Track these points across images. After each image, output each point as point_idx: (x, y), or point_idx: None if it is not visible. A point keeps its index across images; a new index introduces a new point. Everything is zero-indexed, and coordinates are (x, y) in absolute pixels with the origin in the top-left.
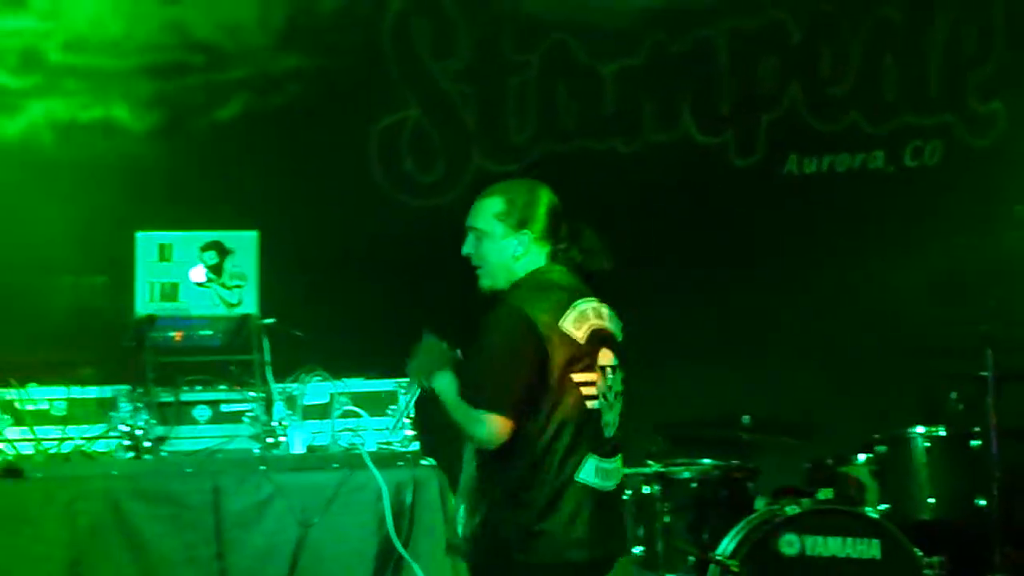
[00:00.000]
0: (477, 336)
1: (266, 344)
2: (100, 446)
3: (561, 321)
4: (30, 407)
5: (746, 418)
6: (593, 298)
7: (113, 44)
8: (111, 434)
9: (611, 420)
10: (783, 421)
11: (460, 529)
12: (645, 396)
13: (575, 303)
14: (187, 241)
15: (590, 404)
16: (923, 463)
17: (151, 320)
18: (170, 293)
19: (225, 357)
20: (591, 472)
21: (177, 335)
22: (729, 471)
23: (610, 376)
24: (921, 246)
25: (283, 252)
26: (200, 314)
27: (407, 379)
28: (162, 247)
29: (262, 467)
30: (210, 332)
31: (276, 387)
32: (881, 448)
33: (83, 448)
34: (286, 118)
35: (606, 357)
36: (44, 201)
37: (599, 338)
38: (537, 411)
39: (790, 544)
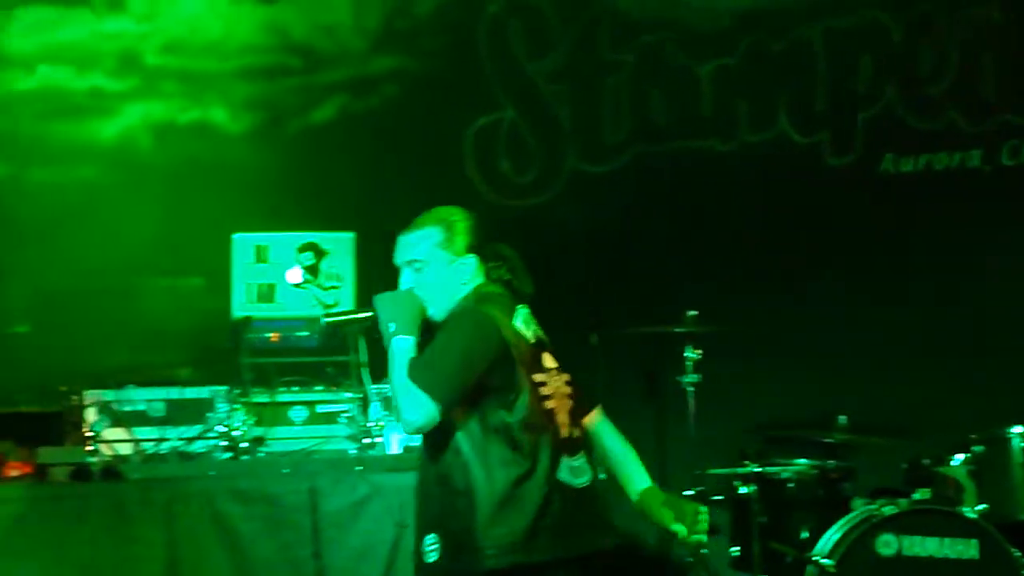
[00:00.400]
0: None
1: (363, 345)
2: (198, 447)
3: (514, 322)
4: (128, 409)
5: (842, 418)
6: (526, 307)
7: (210, 46)
8: (208, 435)
9: (564, 420)
10: (880, 422)
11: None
12: (741, 396)
13: (517, 308)
14: (284, 243)
15: (547, 404)
16: (1020, 463)
17: (248, 321)
18: (267, 294)
19: (322, 358)
20: (564, 470)
21: (274, 336)
22: (826, 471)
23: (556, 378)
24: (1018, 245)
25: (379, 253)
26: (297, 315)
27: (379, 318)
28: (259, 249)
29: (358, 467)
30: (307, 333)
31: (372, 388)
32: (978, 448)
33: (181, 449)
34: (382, 120)
35: (550, 360)
36: (141, 203)
37: (540, 342)
38: (510, 408)
39: (887, 544)
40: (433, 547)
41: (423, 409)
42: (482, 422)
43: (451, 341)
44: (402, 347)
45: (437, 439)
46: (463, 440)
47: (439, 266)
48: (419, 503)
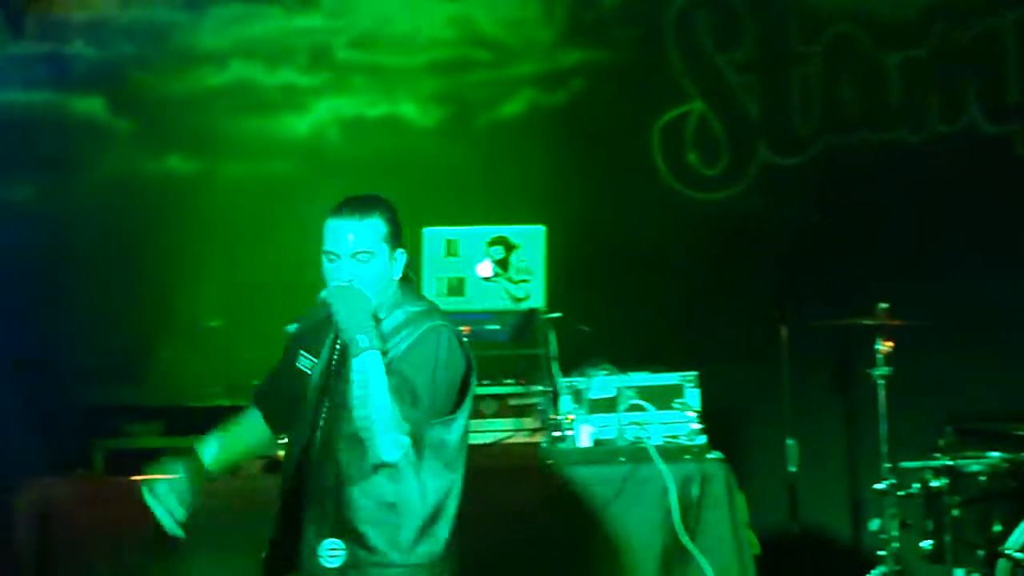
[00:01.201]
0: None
1: (553, 338)
2: None
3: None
4: None
5: None
6: None
7: (400, 41)
8: None
9: None
10: None
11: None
12: (932, 389)
13: None
14: (473, 236)
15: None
16: None
17: None
18: (457, 288)
19: (512, 351)
20: None
21: (464, 329)
22: (1019, 464)
23: None
24: None
25: (568, 246)
26: (486, 308)
27: (340, 320)
28: (449, 242)
29: (549, 460)
30: (497, 327)
31: (563, 381)
32: None
33: None
34: (570, 113)
35: None
36: (331, 198)
37: None
38: (449, 426)
39: None
40: (335, 553)
41: (401, 447)
42: (423, 438)
43: (436, 371)
44: (376, 366)
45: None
46: (430, 455)
47: (383, 259)
48: (325, 505)
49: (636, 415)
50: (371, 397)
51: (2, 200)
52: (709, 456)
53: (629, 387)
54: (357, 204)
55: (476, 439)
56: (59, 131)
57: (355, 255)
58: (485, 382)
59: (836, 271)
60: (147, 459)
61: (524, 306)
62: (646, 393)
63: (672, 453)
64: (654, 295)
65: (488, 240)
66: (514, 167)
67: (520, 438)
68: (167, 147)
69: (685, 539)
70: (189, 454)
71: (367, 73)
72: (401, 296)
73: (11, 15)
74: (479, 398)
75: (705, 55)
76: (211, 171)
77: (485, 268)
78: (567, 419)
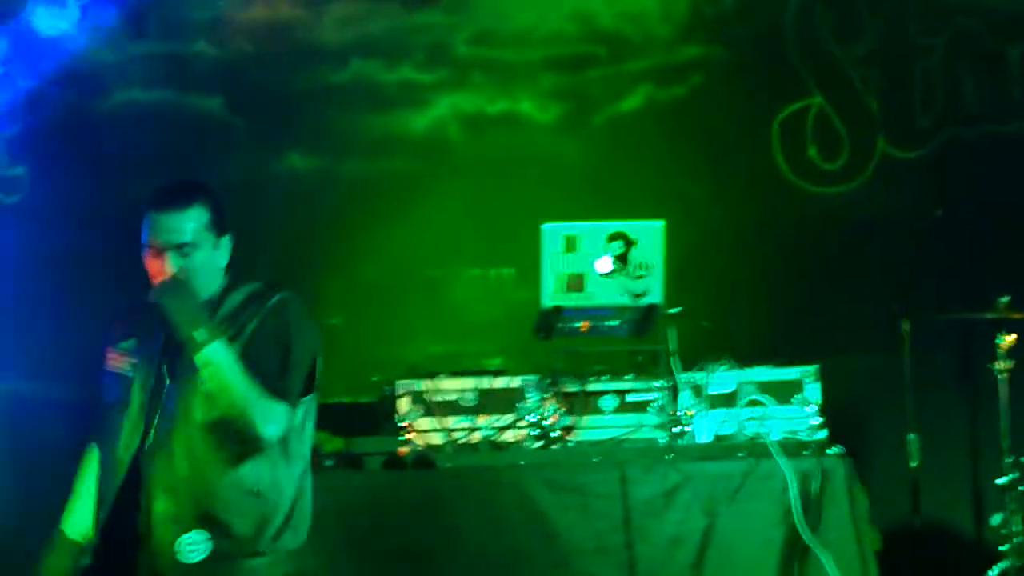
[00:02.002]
0: (264, 322)
1: (672, 334)
2: (509, 436)
3: None
4: (440, 398)
5: None
6: None
7: (519, 36)
8: (519, 424)
9: None
10: None
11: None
12: None
13: None
14: (593, 232)
15: None
16: None
17: (558, 311)
18: (576, 284)
19: (631, 347)
20: None
21: (583, 325)
22: None
23: None
24: None
25: (687, 241)
26: (606, 304)
27: (173, 318)
28: (568, 238)
29: (669, 456)
30: (616, 322)
31: (682, 376)
32: None
33: (492, 438)
34: (689, 108)
35: None
36: (451, 194)
37: None
38: (305, 405)
39: None
40: (196, 546)
41: (282, 419)
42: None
43: (298, 339)
44: (222, 354)
45: (234, 432)
46: (291, 440)
47: (208, 249)
48: (180, 498)
49: (756, 410)
50: (229, 386)
51: (123, 199)
52: (829, 451)
53: (749, 382)
54: (176, 194)
55: (596, 435)
56: (179, 130)
57: (179, 248)
58: (604, 378)
59: (957, 265)
60: None
61: (643, 302)
62: (766, 388)
63: (792, 448)
64: (774, 289)
65: (607, 236)
66: (633, 162)
67: (639, 434)
68: (287, 145)
69: (806, 535)
70: (55, 542)
71: (486, 69)
72: (232, 280)
73: (132, 14)
74: (599, 394)
75: (824, 49)
76: (330, 169)
77: (604, 264)
78: (687, 414)
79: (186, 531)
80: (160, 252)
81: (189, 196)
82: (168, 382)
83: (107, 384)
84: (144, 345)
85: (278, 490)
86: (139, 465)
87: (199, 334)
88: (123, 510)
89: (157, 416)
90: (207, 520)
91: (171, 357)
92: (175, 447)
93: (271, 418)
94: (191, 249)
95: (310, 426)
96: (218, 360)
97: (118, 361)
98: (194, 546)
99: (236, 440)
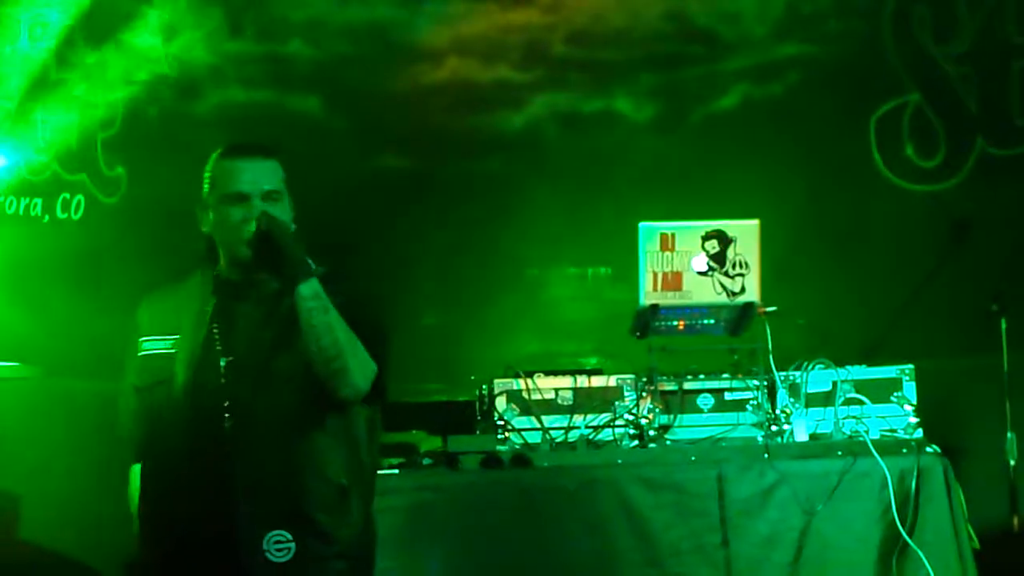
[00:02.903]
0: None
1: (769, 332)
2: (606, 435)
3: None
4: (537, 397)
5: None
6: None
7: (615, 36)
8: (616, 423)
9: None
10: None
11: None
12: None
13: None
14: (689, 231)
15: None
16: None
17: (655, 309)
18: (672, 282)
19: (728, 345)
20: None
21: (680, 324)
22: None
23: None
24: None
25: (784, 240)
26: (703, 303)
27: (284, 252)
28: (664, 237)
29: (765, 455)
30: (712, 321)
31: (779, 375)
32: None
33: (589, 437)
34: (785, 106)
35: None
36: (548, 193)
37: None
38: None
39: None
40: (283, 545)
41: (372, 376)
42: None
43: (382, 327)
44: (323, 294)
45: (319, 417)
46: (359, 423)
47: (287, 203)
48: (264, 494)
49: (853, 408)
50: (334, 325)
51: None
52: (927, 450)
53: (846, 380)
54: (255, 146)
55: (692, 434)
56: (277, 130)
57: (267, 195)
58: (700, 376)
59: None
60: None
61: (740, 300)
62: (862, 387)
63: (889, 447)
64: (870, 288)
65: (703, 234)
66: (729, 161)
67: (736, 432)
68: (383, 145)
69: (904, 533)
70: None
71: (582, 68)
72: None
73: (231, 14)
74: (696, 393)
75: (922, 47)
76: (427, 168)
77: (700, 262)
78: (784, 413)
79: (272, 529)
80: (245, 199)
81: (269, 149)
82: (224, 360)
83: (142, 368)
84: (179, 324)
85: (363, 483)
86: (204, 461)
87: (307, 268)
88: (197, 509)
89: (228, 401)
90: (293, 518)
91: (225, 330)
92: (258, 437)
93: (367, 370)
94: (279, 196)
95: (375, 438)
96: (324, 297)
97: (152, 342)
98: (281, 545)
99: (314, 423)
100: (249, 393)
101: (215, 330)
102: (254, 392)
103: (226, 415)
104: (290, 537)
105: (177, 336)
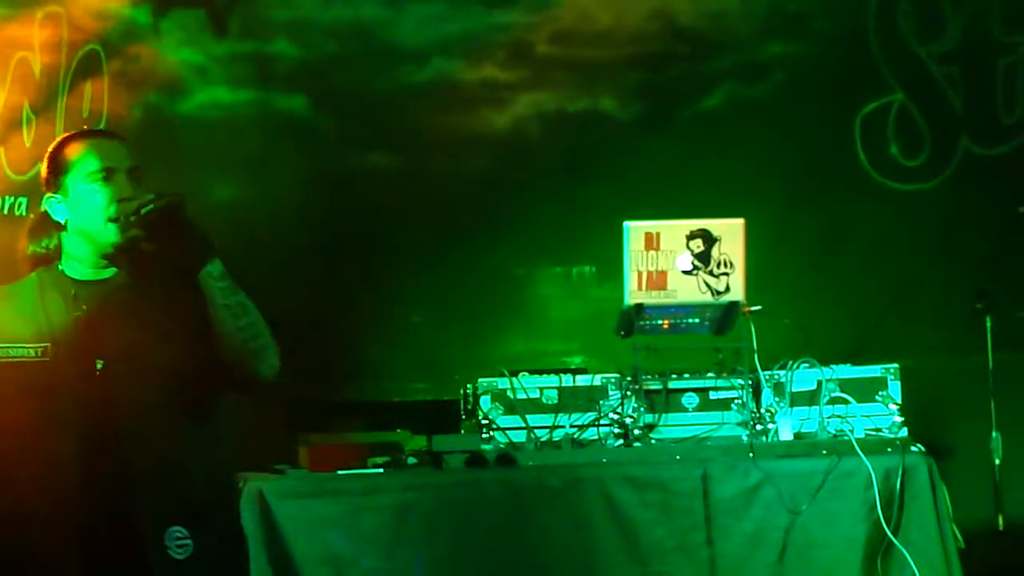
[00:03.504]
0: None
1: (753, 331)
2: (590, 434)
3: None
4: (522, 396)
5: None
6: None
7: (600, 35)
8: (601, 422)
9: None
10: None
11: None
12: None
13: None
14: (674, 230)
15: None
16: None
17: (639, 308)
18: (657, 281)
19: (713, 344)
20: None
21: (665, 323)
22: None
23: None
24: None
25: (769, 239)
26: (687, 302)
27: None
28: (649, 236)
29: (750, 454)
30: (697, 320)
31: (764, 374)
32: None
33: (574, 436)
34: (770, 106)
35: None
36: (533, 193)
37: None
38: None
39: None
40: (183, 542)
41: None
42: None
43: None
44: (225, 271)
45: (201, 410)
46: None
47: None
48: (157, 491)
49: (838, 408)
50: (248, 304)
51: (205, 199)
52: (912, 449)
53: (831, 380)
54: (102, 131)
55: (677, 433)
56: (262, 130)
57: (131, 171)
58: (685, 375)
59: None
60: (352, 454)
61: (724, 299)
62: (847, 386)
63: (874, 446)
64: (855, 287)
65: (688, 233)
66: (714, 160)
67: (721, 432)
68: (369, 145)
69: (888, 532)
70: None
71: (567, 68)
72: None
73: (215, 14)
74: (680, 392)
75: (907, 46)
76: (412, 168)
77: (685, 261)
78: (768, 412)
79: (171, 526)
80: (112, 174)
81: (116, 134)
82: (100, 363)
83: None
84: (38, 324)
85: (232, 480)
86: (94, 463)
87: (213, 246)
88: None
89: (109, 403)
90: (185, 513)
91: (91, 331)
92: (144, 433)
93: (272, 344)
94: (142, 175)
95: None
96: (228, 276)
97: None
98: (181, 542)
99: (203, 395)
100: (130, 392)
101: (80, 332)
102: (135, 391)
103: (111, 415)
104: (187, 533)
105: (41, 344)
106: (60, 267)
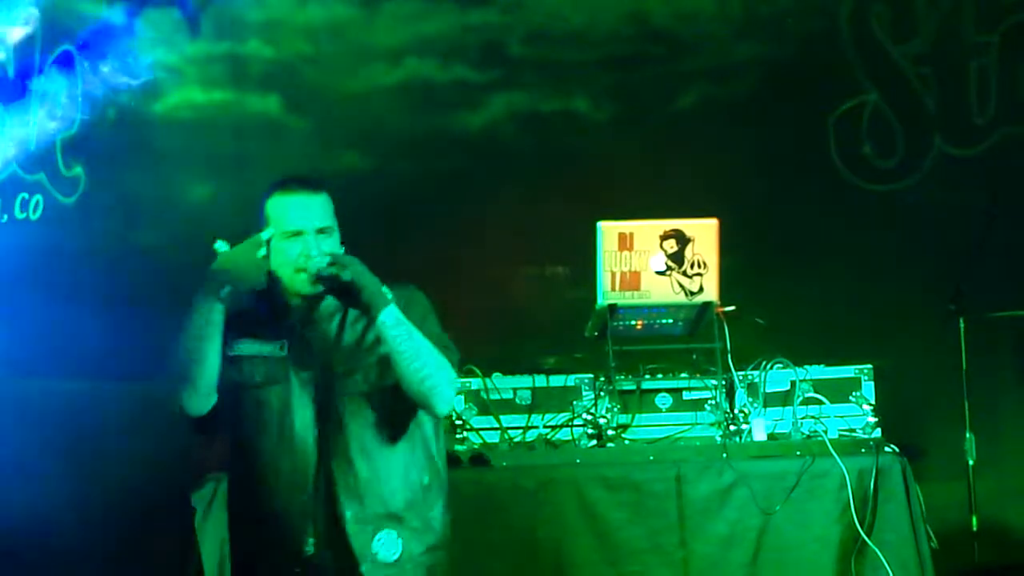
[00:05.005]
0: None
1: (727, 331)
2: (564, 434)
3: None
4: (496, 396)
5: None
6: None
7: (574, 36)
8: (575, 422)
9: None
10: None
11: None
12: None
13: None
14: (648, 230)
15: None
16: None
17: (613, 309)
18: (631, 282)
19: (686, 345)
20: None
21: (638, 323)
22: None
23: None
24: None
25: (742, 239)
26: (661, 302)
27: (360, 285)
28: (623, 236)
29: (724, 455)
30: (671, 320)
31: (737, 375)
32: None
33: (547, 436)
34: (743, 107)
35: None
36: (505, 193)
37: None
38: None
39: None
40: (392, 546)
41: (456, 382)
42: None
43: (433, 318)
44: (403, 317)
45: (404, 426)
46: (431, 430)
47: (337, 236)
48: (365, 499)
49: (811, 408)
50: (421, 346)
51: (179, 199)
52: (885, 449)
53: (804, 380)
54: (304, 181)
55: (651, 434)
56: (236, 130)
57: (321, 230)
58: (659, 376)
59: (1014, 262)
60: None
61: (698, 300)
62: (821, 386)
63: (848, 447)
64: (829, 288)
65: (662, 234)
66: (687, 161)
67: (694, 432)
68: (342, 145)
69: (862, 533)
70: None
71: (540, 68)
72: None
73: (189, 15)
74: (654, 392)
75: (880, 46)
76: (385, 168)
77: (659, 262)
78: (742, 413)
79: (378, 531)
80: (301, 235)
81: (317, 183)
82: (314, 386)
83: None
84: (266, 334)
85: (441, 479)
86: (303, 466)
87: (387, 290)
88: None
89: (316, 425)
90: (391, 518)
91: (300, 359)
92: (352, 449)
93: (454, 380)
94: (331, 231)
95: (440, 433)
96: (405, 321)
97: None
98: (389, 545)
99: (401, 431)
100: (331, 408)
101: (292, 347)
102: (335, 407)
103: (315, 426)
104: (395, 536)
105: (276, 343)
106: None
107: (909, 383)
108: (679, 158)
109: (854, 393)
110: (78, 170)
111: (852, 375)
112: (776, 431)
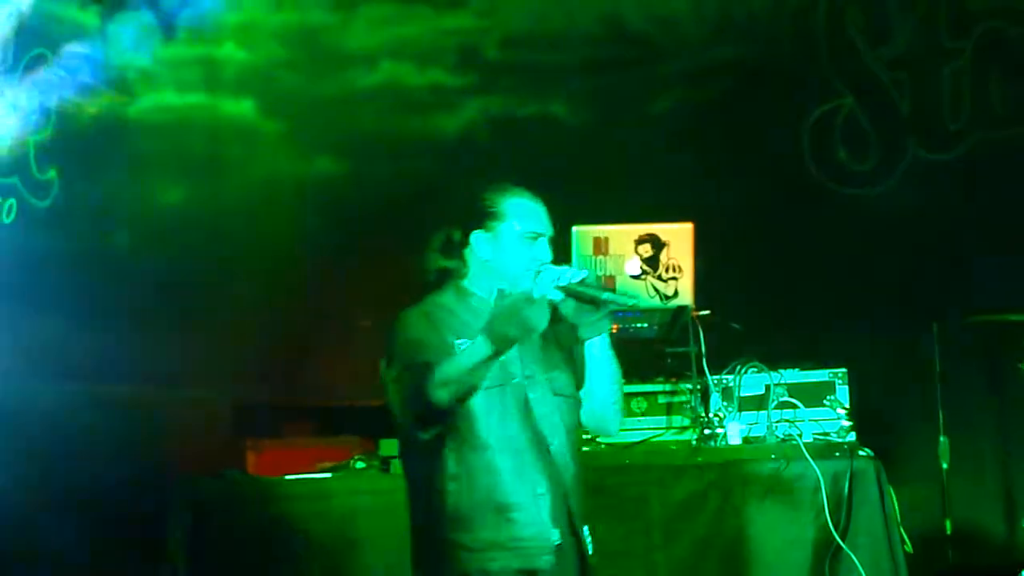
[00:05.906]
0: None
1: (702, 335)
2: None
3: None
4: None
5: None
6: None
7: (550, 40)
8: None
9: None
10: None
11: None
12: None
13: None
14: (623, 235)
15: None
16: None
17: None
18: (606, 286)
19: (661, 349)
20: None
21: (613, 327)
22: None
23: None
24: None
25: (717, 243)
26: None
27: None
28: (598, 240)
29: (699, 458)
30: (646, 324)
31: (712, 378)
32: None
33: None
34: (718, 110)
35: None
36: None
37: None
38: None
39: None
40: (589, 539)
41: None
42: None
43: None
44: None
45: (580, 430)
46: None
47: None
48: (568, 500)
49: (786, 412)
50: (615, 361)
51: (153, 202)
52: (860, 453)
53: (779, 384)
54: (524, 189)
55: (625, 437)
56: (210, 133)
57: (551, 239)
58: (634, 380)
59: (987, 267)
60: (299, 459)
61: (673, 304)
62: (796, 390)
63: (822, 450)
64: (803, 292)
65: (637, 238)
66: (662, 164)
67: (669, 436)
68: (317, 148)
69: (836, 535)
70: None
71: (517, 72)
72: None
73: (163, 18)
74: (629, 396)
75: (855, 51)
76: (361, 172)
77: (634, 266)
78: (717, 416)
79: (584, 526)
80: (542, 239)
81: (525, 191)
82: (528, 385)
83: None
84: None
85: None
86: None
87: (607, 323)
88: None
89: (538, 421)
90: (583, 516)
91: (526, 357)
92: (561, 450)
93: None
94: (554, 242)
95: None
96: (611, 346)
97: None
98: (589, 540)
99: (579, 441)
100: (545, 406)
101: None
102: (548, 405)
103: (534, 424)
104: (587, 533)
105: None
106: (465, 284)
107: (883, 387)
108: (654, 162)
109: (828, 397)
110: (52, 174)
111: (826, 379)
112: (751, 435)
